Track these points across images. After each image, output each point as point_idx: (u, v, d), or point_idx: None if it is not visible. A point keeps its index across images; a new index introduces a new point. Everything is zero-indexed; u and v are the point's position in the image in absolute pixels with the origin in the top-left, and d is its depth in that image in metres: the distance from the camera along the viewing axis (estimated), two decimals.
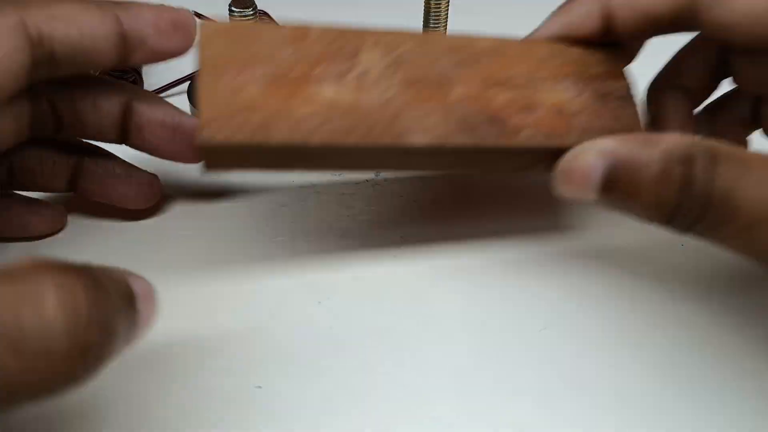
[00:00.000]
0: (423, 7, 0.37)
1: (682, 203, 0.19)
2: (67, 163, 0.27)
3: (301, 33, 0.23)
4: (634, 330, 0.25)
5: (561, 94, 0.24)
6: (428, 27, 0.38)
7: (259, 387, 0.23)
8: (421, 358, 0.24)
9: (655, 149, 0.20)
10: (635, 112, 0.25)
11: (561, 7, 0.26)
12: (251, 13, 0.32)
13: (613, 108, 0.25)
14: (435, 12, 0.37)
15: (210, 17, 0.44)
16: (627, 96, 0.25)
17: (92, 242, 0.27)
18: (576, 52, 0.25)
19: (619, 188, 0.20)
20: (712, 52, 0.26)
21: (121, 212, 0.28)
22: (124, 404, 0.22)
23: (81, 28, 0.22)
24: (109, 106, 0.25)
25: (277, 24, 0.23)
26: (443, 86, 0.23)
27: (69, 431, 0.21)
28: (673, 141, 0.20)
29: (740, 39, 0.22)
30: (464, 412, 0.22)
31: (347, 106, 0.22)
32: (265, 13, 0.45)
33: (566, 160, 0.22)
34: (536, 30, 0.26)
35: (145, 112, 0.25)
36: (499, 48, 0.25)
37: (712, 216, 0.19)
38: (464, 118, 0.23)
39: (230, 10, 0.32)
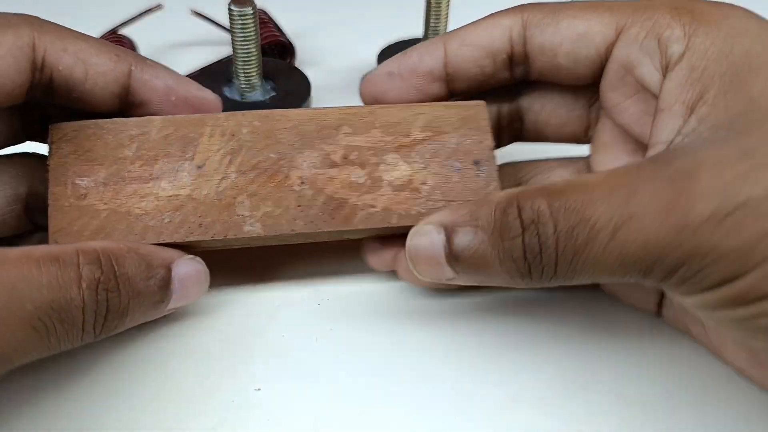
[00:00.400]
0: (424, 5, 0.37)
1: (529, 249, 0.19)
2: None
3: (143, 128, 0.23)
4: (634, 329, 0.25)
5: (407, 168, 0.24)
6: (429, 25, 0.37)
7: (259, 389, 0.23)
8: (420, 360, 0.24)
9: (488, 207, 0.20)
10: (492, 177, 0.24)
11: (402, 56, 0.26)
12: (251, 12, 0.32)
13: (466, 174, 0.24)
14: (435, 10, 0.37)
15: (210, 17, 0.44)
16: (486, 157, 0.24)
17: None
18: (430, 113, 0.25)
19: (464, 251, 0.20)
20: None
21: None
22: (124, 405, 0.22)
23: (87, 70, 0.22)
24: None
25: (123, 120, 0.23)
26: (281, 170, 0.23)
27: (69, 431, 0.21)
28: (502, 195, 0.20)
29: (564, 61, 0.23)
30: (464, 414, 0.22)
31: (182, 200, 0.23)
32: (265, 13, 0.45)
33: (409, 244, 0.21)
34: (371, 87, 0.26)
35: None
36: (345, 120, 0.24)
37: (572, 242, 0.18)
38: (300, 202, 0.23)
39: (230, 10, 0.32)
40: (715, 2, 0.21)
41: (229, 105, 0.33)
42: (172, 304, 0.23)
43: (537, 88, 0.27)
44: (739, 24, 0.20)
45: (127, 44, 0.42)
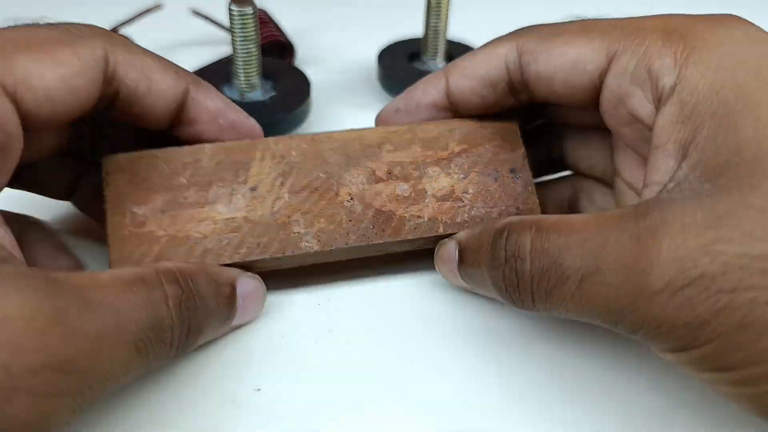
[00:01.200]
0: (424, 5, 0.37)
1: (508, 280, 0.20)
2: (70, 170, 0.26)
3: (195, 156, 0.24)
4: None
5: (448, 179, 0.25)
6: (429, 24, 0.37)
7: (259, 389, 0.23)
8: (421, 360, 0.24)
9: (489, 233, 0.21)
10: (528, 182, 0.26)
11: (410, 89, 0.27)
12: (251, 12, 0.32)
13: (504, 181, 0.26)
14: (435, 10, 0.37)
15: (210, 17, 0.44)
16: (520, 166, 0.26)
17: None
18: (464, 127, 0.26)
19: (469, 268, 0.23)
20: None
21: None
22: (124, 404, 0.22)
23: (150, 86, 0.23)
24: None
25: (174, 149, 0.24)
26: (331, 188, 0.25)
27: (70, 431, 0.21)
28: (503, 222, 0.21)
29: (561, 89, 0.23)
30: (464, 415, 0.22)
31: (239, 222, 0.24)
32: (265, 13, 0.45)
33: (437, 249, 0.25)
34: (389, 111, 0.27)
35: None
36: (386, 138, 0.26)
37: (544, 283, 0.19)
38: (351, 217, 0.24)
39: (230, 10, 0.32)
40: (714, 19, 0.20)
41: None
42: (236, 320, 0.24)
43: (567, 135, 0.27)
44: (735, 51, 0.19)
45: None
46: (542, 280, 0.19)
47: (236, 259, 0.23)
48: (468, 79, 0.25)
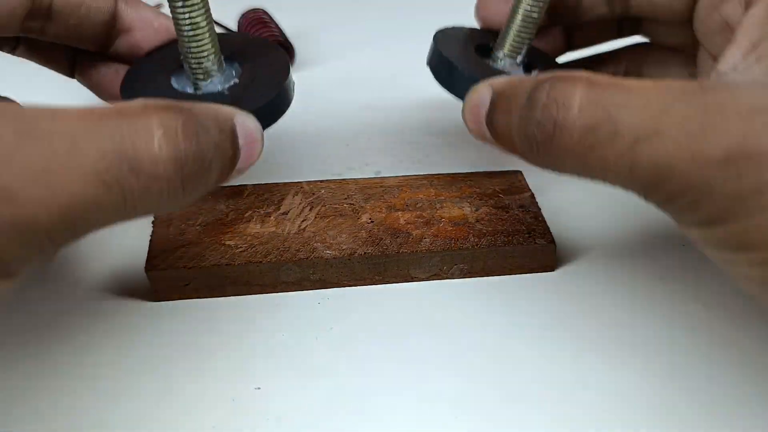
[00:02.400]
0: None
1: (548, 119, 0.19)
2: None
3: (237, 191, 0.29)
4: (635, 331, 0.25)
5: (460, 210, 0.28)
6: (518, 11, 0.28)
7: (259, 389, 0.23)
8: (421, 359, 0.24)
9: (532, 81, 0.20)
10: (538, 215, 0.28)
11: None
12: None
13: (514, 213, 0.28)
14: None
15: None
16: (529, 203, 0.28)
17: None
18: (475, 177, 0.30)
19: (498, 116, 0.21)
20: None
21: None
22: (124, 404, 0.22)
23: None
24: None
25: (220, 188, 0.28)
26: (352, 214, 0.28)
27: (70, 431, 0.21)
28: (548, 73, 0.19)
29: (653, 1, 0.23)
30: (464, 413, 0.22)
31: (268, 235, 0.26)
32: (266, 13, 0.45)
33: (467, 97, 0.23)
34: None
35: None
36: (405, 183, 0.29)
37: (591, 137, 0.18)
38: (371, 234, 0.27)
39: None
40: None
41: (178, 99, 0.25)
42: (240, 162, 0.21)
43: None
44: None
45: None
46: (588, 134, 0.18)
47: (263, 260, 0.25)
48: None
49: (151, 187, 0.17)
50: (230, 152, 0.20)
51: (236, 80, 0.25)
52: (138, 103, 0.18)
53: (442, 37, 0.30)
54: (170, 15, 0.24)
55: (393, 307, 0.26)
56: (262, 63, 0.26)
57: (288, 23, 0.45)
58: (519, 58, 0.28)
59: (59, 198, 0.16)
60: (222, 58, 0.26)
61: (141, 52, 0.27)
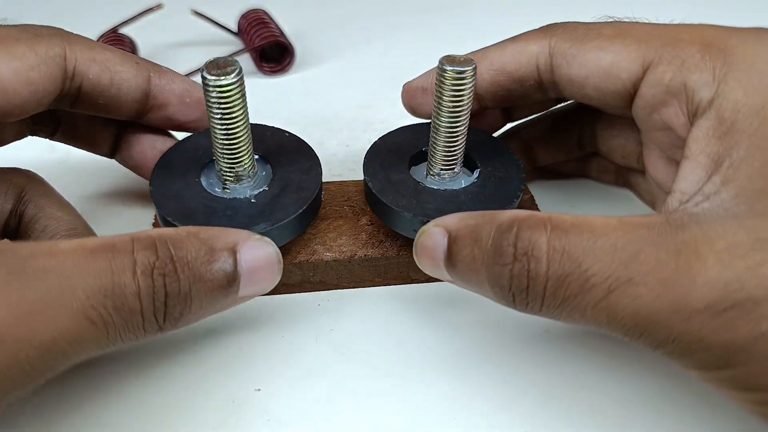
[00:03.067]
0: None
1: (516, 280, 0.19)
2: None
3: None
4: None
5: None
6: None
7: (259, 389, 0.23)
8: (420, 359, 0.24)
9: (491, 226, 0.19)
10: (530, 199, 0.28)
11: None
12: (234, 83, 0.22)
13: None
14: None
15: (210, 17, 0.44)
16: (529, 205, 0.28)
17: None
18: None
19: (460, 262, 0.20)
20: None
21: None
22: (124, 404, 0.22)
23: (113, 77, 0.24)
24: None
25: None
26: (353, 216, 0.28)
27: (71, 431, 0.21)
28: (508, 215, 0.19)
29: (593, 93, 0.23)
30: (463, 413, 0.22)
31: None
32: (266, 13, 0.45)
33: (417, 240, 0.22)
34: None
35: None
36: None
37: (563, 289, 0.18)
38: (371, 236, 0.27)
39: (203, 79, 0.22)
40: (752, 33, 0.20)
41: (204, 201, 0.24)
42: (244, 291, 0.21)
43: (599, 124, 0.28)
44: None
45: (128, 43, 0.42)
46: (561, 286, 0.18)
47: None
48: (495, 72, 0.24)
49: (130, 321, 0.18)
50: (223, 282, 0.20)
51: (266, 187, 0.25)
52: (126, 238, 0.18)
53: (373, 159, 0.27)
54: (199, 85, 0.25)
55: (393, 308, 0.26)
56: (294, 169, 0.26)
57: (288, 23, 0.45)
58: (456, 168, 0.25)
59: (44, 335, 0.16)
60: (254, 161, 0.25)
61: (175, 125, 0.27)
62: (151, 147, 0.27)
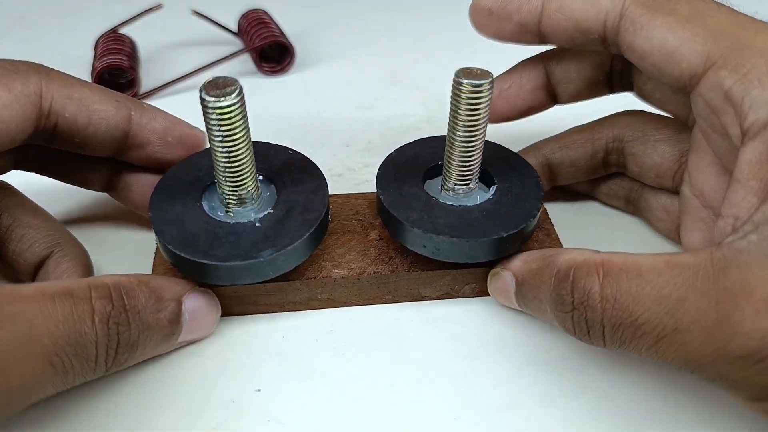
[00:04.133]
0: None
1: (578, 326, 0.20)
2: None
3: None
4: None
5: None
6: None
7: (259, 390, 0.23)
8: (420, 360, 0.24)
9: (550, 272, 0.21)
10: (551, 230, 0.27)
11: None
12: (234, 104, 0.21)
13: (543, 240, 0.26)
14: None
15: (210, 17, 0.44)
16: (542, 219, 0.27)
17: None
18: None
19: (530, 302, 0.23)
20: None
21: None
22: (125, 405, 0.22)
23: (90, 116, 0.23)
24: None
25: None
26: (361, 231, 0.27)
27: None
28: (565, 260, 0.21)
29: (650, 68, 0.22)
30: (463, 414, 0.22)
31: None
32: (266, 13, 0.45)
33: (489, 283, 0.25)
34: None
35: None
36: None
37: (618, 334, 0.19)
38: (380, 252, 0.26)
39: (202, 100, 0.21)
40: None
41: (206, 226, 0.23)
42: (183, 337, 0.23)
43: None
44: None
45: (128, 43, 0.41)
46: (616, 332, 0.19)
47: (270, 281, 0.24)
48: (563, 17, 0.24)
49: (85, 366, 0.19)
50: (167, 330, 0.22)
51: (271, 209, 0.24)
52: (84, 284, 0.20)
53: (386, 171, 0.26)
54: (181, 122, 0.25)
55: (392, 308, 0.26)
56: (299, 189, 0.25)
57: (288, 23, 0.45)
58: (471, 183, 0.25)
59: (12, 380, 0.17)
60: (258, 182, 0.24)
61: (157, 163, 0.26)
62: (152, 187, 0.25)
